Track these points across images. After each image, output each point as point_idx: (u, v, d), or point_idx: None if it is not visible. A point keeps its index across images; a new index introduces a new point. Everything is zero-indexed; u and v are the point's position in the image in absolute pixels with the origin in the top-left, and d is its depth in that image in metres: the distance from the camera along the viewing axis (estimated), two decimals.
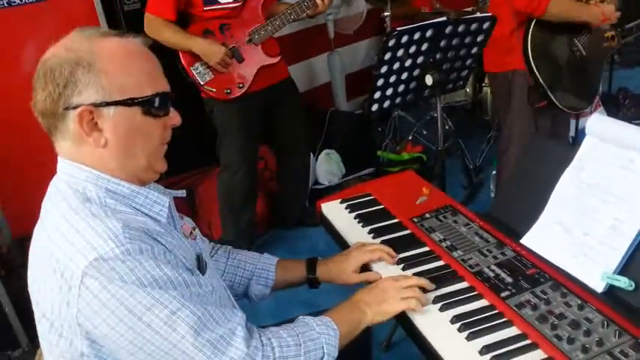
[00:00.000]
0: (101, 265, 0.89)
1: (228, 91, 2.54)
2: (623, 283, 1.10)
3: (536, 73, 2.22)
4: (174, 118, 1.05)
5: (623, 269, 1.13)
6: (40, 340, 1.03)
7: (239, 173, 2.69)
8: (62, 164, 1.01)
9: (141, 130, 1.00)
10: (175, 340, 0.92)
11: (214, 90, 2.53)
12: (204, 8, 2.46)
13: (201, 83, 2.52)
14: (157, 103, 1.00)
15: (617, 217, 1.18)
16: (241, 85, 2.55)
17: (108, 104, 0.95)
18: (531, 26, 2.21)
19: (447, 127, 3.50)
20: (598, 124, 1.31)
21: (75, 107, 0.95)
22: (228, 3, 2.48)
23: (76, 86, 0.94)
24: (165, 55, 2.44)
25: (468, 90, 3.75)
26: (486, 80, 3.69)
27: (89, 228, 0.92)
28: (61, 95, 0.94)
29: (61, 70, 0.94)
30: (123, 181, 1.00)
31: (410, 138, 3.61)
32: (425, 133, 3.64)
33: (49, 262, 0.93)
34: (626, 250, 1.13)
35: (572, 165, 1.31)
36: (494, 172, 3.14)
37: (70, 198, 0.97)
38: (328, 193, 2.29)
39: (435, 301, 1.16)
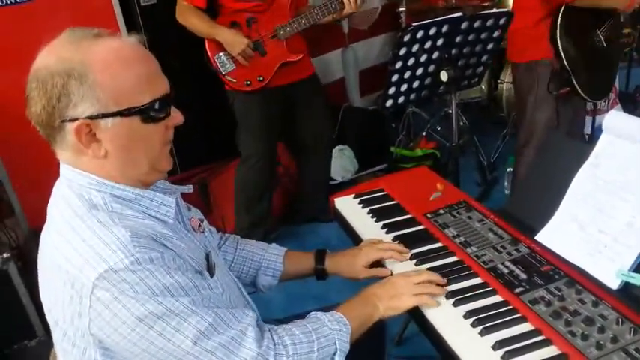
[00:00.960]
0: (111, 276, 0.89)
1: (249, 82, 2.59)
2: (638, 280, 1.09)
3: (563, 57, 2.23)
4: (176, 117, 1.02)
5: (639, 266, 1.12)
6: (55, 345, 1.04)
7: (256, 166, 2.73)
8: (64, 170, 1.00)
9: (141, 138, 0.97)
10: (187, 347, 0.93)
11: (235, 80, 2.59)
12: (234, 0, 2.52)
13: (223, 72, 2.58)
14: (156, 108, 0.96)
15: (633, 215, 1.17)
16: (261, 78, 2.59)
17: (105, 116, 0.92)
18: (560, 13, 2.23)
19: (461, 124, 3.47)
20: (615, 120, 1.30)
21: (71, 120, 0.92)
22: None
23: (70, 99, 0.91)
24: (194, 46, 2.54)
25: (483, 87, 3.72)
26: (502, 77, 3.67)
27: (97, 238, 0.91)
28: (55, 108, 0.91)
29: (53, 82, 0.90)
30: (126, 187, 0.99)
31: (424, 134, 3.59)
32: (439, 129, 3.62)
33: (59, 273, 0.93)
34: None
35: (588, 162, 1.31)
36: (508, 170, 3.12)
37: (76, 205, 0.96)
38: (341, 188, 2.28)
39: (449, 296, 1.16)
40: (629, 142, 1.24)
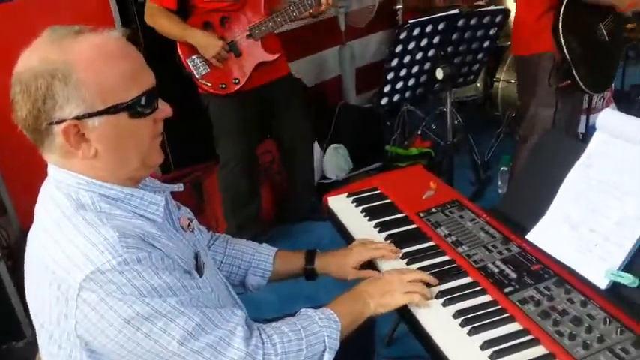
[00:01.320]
0: (98, 277, 0.88)
1: (224, 85, 2.51)
2: (627, 279, 1.10)
3: (564, 48, 2.25)
4: (164, 110, 1.01)
5: (628, 266, 1.13)
6: (40, 349, 1.03)
7: (236, 169, 2.67)
8: (52, 170, 0.99)
9: (130, 134, 0.96)
10: (174, 348, 0.93)
11: (210, 84, 2.51)
12: (206, 0, 2.44)
13: (197, 76, 2.50)
14: (143, 103, 0.95)
15: (625, 214, 1.17)
16: (237, 81, 2.52)
17: (92, 115, 0.91)
18: (563, 5, 2.25)
19: (456, 122, 3.47)
20: (608, 119, 1.31)
21: (58, 122, 0.91)
22: None
23: (56, 101, 0.89)
24: (165, 46, 2.47)
25: (478, 85, 3.72)
26: (497, 75, 3.67)
27: (84, 238, 0.90)
28: (41, 111, 0.90)
29: (36, 84, 0.89)
30: (115, 185, 0.98)
31: (419, 133, 3.59)
32: (434, 128, 3.61)
33: (45, 274, 0.92)
34: (632, 246, 1.13)
35: (580, 161, 1.31)
36: (502, 169, 3.13)
37: (64, 205, 0.95)
38: (335, 187, 2.29)
39: (439, 295, 1.17)
40: (623, 141, 1.25)
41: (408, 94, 2.25)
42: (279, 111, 2.75)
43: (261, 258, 1.37)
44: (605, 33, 2.36)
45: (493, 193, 3.18)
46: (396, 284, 1.16)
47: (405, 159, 3.40)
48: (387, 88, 2.19)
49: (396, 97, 2.23)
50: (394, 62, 2.12)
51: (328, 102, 3.80)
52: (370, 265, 1.34)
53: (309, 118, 2.88)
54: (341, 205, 1.63)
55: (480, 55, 2.33)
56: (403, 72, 2.17)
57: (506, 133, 3.51)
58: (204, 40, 2.43)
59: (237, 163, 2.67)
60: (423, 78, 2.23)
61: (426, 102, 3.74)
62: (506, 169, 3.10)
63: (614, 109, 3.83)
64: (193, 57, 2.48)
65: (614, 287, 1.12)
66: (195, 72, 2.50)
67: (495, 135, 3.53)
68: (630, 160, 1.22)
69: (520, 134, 2.68)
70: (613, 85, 3.89)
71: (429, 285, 1.19)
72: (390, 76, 2.16)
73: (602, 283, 1.13)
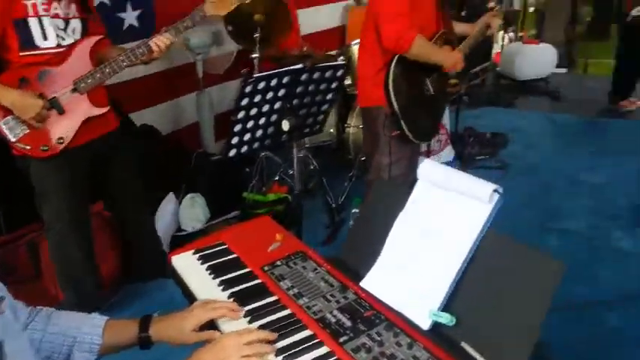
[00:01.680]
0: None
1: (46, 147, 2.27)
2: (445, 319, 1.20)
3: (394, 102, 2.45)
4: None
5: (447, 306, 1.23)
6: None
7: (65, 235, 2.45)
8: None
9: None
10: None
11: (29, 147, 2.25)
12: (21, 53, 2.22)
13: (13, 140, 2.23)
14: None
15: (441, 257, 1.28)
16: (61, 141, 2.30)
17: None
18: (394, 62, 2.45)
19: (312, 167, 3.61)
20: (427, 169, 1.43)
21: None
22: (50, 48, 2.26)
23: None
24: None
25: (332, 130, 3.92)
26: (348, 121, 3.90)
27: None
28: None
29: None
30: None
31: (276, 178, 3.66)
32: (291, 173, 3.72)
33: None
34: (449, 288, 1.24)
35: (405, 208, 1.41)
36: (353, 211, 3.29)
37: None
38: (192, 239, 2.22)
39: (278, 353, 1.17)
40: (438, 189, 1.37)
41: (256, 145, 2.31)
42: (110, 167, 2.61)
43: (88, 331, 1.26)
44: (431, 88, 2.63)
45: (346, 234, 3.31)
46: (230, 350, 1.14)
47: (262, 205, 3.43)
48: (234, 140, 2.22)
49: (244, 149, 2.27)
50: (241, 115, 2.17)
51: (185, 150, 3.74)
52: (212, 326, 1.31)
53: (139, 173, 2.74)
54: (186, 263, 1.58)
55: (323, 107, 2.47)
56: (250, 124, 2.22)
57: (358, 176, 3.72)
58: (20, 101, 2.17)
59: (64, 228, 2.43)
60: (270, 129, 2.30)
61: (284, 147, 3.84)
62: (357, 210, 3.26)
63: (450, 150, 4.25)
64: (7, 118, 2.21)
65: (436, 327, 1.22)
66: (9, 135, 2.22)
67: (348, 178, 3.72)
68: (444, 207, 1.34)
69: (367, 179, 2.87)
70: (449, 128, 4.32)
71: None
72: (237, 128, 2.20)
73: (425, 324, 1.22)
